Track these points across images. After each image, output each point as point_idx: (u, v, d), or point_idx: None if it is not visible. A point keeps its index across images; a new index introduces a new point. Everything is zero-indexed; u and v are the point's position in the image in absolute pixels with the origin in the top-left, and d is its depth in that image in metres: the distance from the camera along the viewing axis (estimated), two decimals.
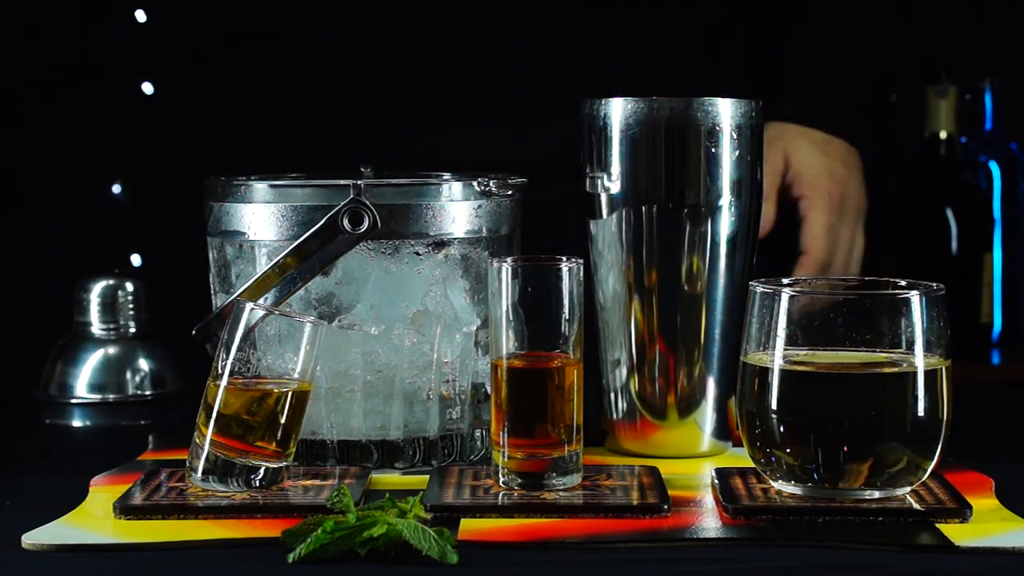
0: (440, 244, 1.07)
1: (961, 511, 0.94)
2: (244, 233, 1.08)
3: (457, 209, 1.08)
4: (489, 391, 1.04)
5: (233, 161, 1.25)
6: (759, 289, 0.99)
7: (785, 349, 0.97)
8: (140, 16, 1.71)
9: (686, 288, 1.10)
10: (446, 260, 1.07)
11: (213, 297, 1.12)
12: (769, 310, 0.98)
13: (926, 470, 0.97)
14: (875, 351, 0.97)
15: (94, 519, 0.96)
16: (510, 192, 1.10)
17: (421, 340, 1.07)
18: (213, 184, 1.10)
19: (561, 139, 1.15)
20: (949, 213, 1.92)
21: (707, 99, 1.09)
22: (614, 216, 1.10)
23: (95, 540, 0.92)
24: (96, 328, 1.36)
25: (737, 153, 1.10)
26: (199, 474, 0.99)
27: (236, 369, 0.99)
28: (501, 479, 0.99)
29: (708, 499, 1.00)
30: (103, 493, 1.01)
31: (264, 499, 0.97)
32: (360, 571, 0.86)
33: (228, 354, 0.99)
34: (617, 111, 1.10)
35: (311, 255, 1.05)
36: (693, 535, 0.93)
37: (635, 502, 0.96)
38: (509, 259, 0.99)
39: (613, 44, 1.37)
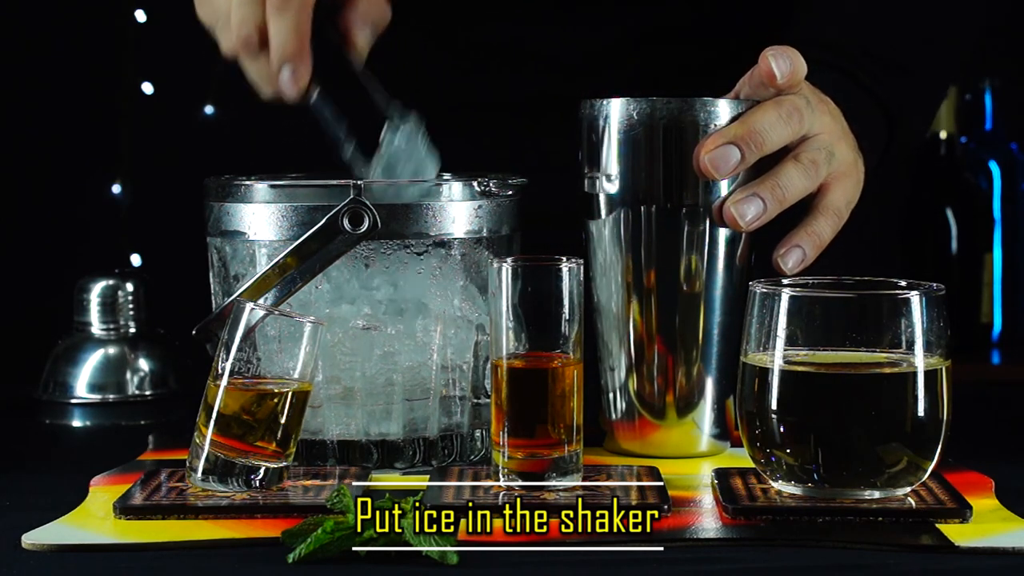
0: (440, 244, 1.07)
1: (961, 511, 0.94)
2: (244, 233, 1.08)
3: (457, 209, 1.08)
4: (489, 391, 1.04)
5: (233, 161, 1.25)
6: (759, 289, 0.99)
7: (785, 349, 0.97)
8: (140, 16, 1.71)
9: (685, 288, 1.10)
10: (446, 260, 1.07)
11: (213, 297, 1.12)
12: (769, 310, 0.98)
13: (926, 470, 0.97)
14: (875, 351, 0.97)
15: (94, 519, 0.96)
16: (510, 192, 1.10)
17: (421, 340, 1.07)
18: (213, 184, 1.10)
19: (561, 139, 1.15)
20: (949, 213, 1.92)
21: (706, 99, 1.09)
22: (613, 216, 1.10)
23: (95, 540, 0.92)
24: (96, 328, 1.36)
25: None
26: (199, 474, 0.99)
27: (236, 369, 0.99)
28: (501, 479, 1.00)
29: (708, 499, 1.00)
30: (103, 493, 1.01)
31: (264, 499, 0.97)
32: (360, 571, 0.86)
33: (228, 354, 0.99)
34: (616, 111, 1.10)
35: (311, 255, 1.05)
36: (693, 535, 0.93)
37: (635, 502, 0.96)
38: (509, 259, 0.99)
39: (613, 43, 1.37)
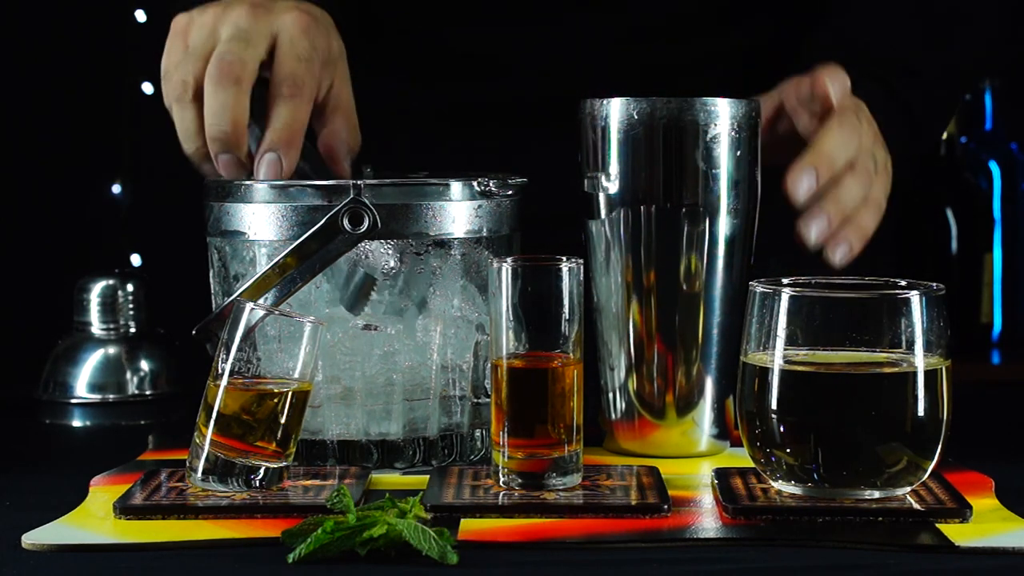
0: (440, 244, 1.07)
1: (961, 511, 0.94)
2: (244, 233, 1.08)
3: (457, 209, 1.08)
4: (489, 391, 1.04)
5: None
6: (759, 289, 0.99)
7: (785, 349, 0.97)
8: (140, 16, 1.71)
9: (684, 288, 1.10)
10: (446, 260, 1.07)
11: (213, 297, 1.12)
12: (769, 310, 0.98)
13: (926, 470, 0.97)
14: (875, 351, 0.97)
15: (94, 519, 0.96)
16: (510, 192, 1.10)
17: (421, 340, 1.07)
18: (213, 184, 1.10)
19: (561, 139, 1.15)
20: (949, 213, 1.92)
21: (706, 99, 1.09)
22: (613, 216, 1.11)
23: (95, 540, 0.92)
24: (96, 328, 1.36)
25: (736, 153, 1.10)
26: (199, 474, 0.99)
27: (236, 369, 0.99)
28: (501, 479, 1.00)
29: (708, 499, 1.00)
30: (103, 493, 1.01)
31: (264, 499, 0.97)
32: (360, 571, 0.86)
33: (228, 354, 0.99)
34: (616, 111, 1.10)
35: (311, 255, 1.05)
36: (693, 535, 0.93)
37: (635, 502, 0.96)
38: (509, 259, 0.99)
39: (613, 44, 1.37)
